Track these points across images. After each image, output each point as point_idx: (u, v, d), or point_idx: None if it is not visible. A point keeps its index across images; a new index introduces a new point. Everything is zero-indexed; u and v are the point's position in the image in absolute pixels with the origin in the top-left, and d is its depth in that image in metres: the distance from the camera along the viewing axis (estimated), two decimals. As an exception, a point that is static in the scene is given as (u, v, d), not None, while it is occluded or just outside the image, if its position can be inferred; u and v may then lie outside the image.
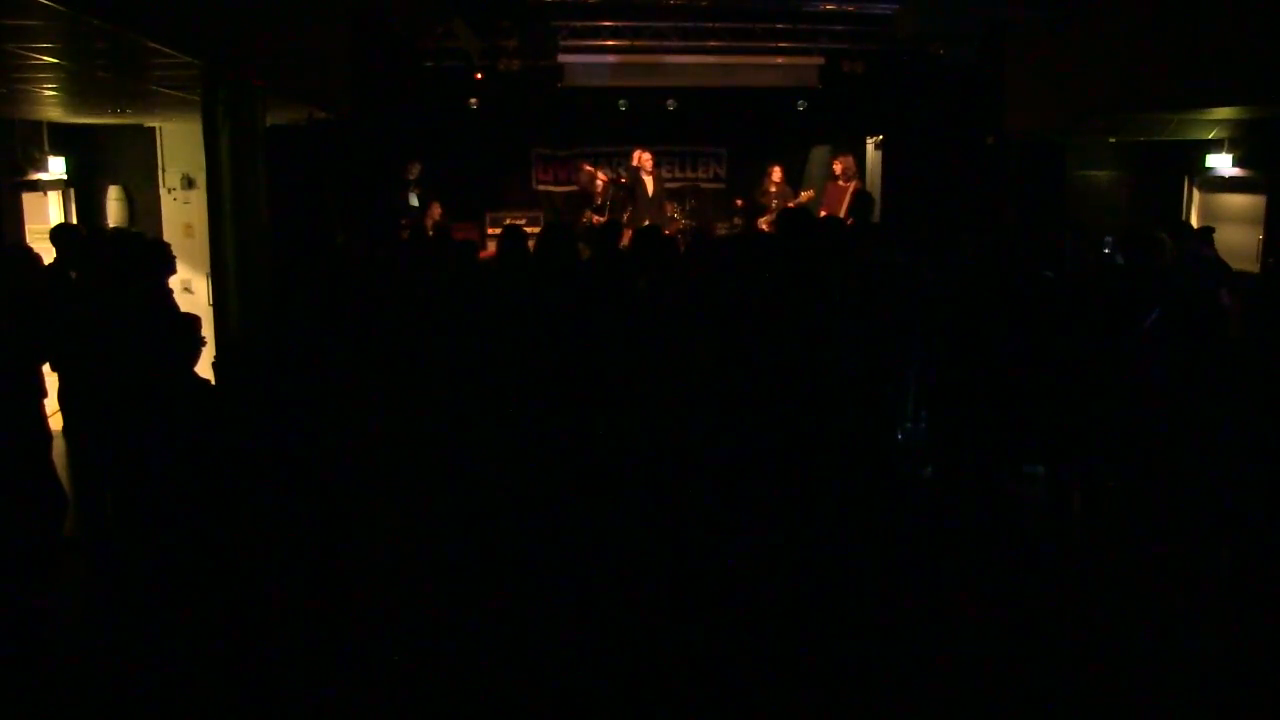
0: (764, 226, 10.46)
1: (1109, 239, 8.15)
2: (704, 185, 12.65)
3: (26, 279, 5.69)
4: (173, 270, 5.96)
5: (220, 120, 5.67)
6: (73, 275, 6.37)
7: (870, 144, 12.15)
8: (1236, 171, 9.02)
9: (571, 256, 5.96)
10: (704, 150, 12.71)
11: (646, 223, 10.31)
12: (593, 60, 10.73)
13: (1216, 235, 7.44)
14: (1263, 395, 4.35)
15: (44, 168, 8.48)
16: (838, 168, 10.58)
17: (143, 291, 5.77)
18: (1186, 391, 4.54)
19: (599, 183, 10.95)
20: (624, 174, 11.14)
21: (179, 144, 9.17)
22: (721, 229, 11.23)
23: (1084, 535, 5.33)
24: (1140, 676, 4.02)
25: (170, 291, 5.95)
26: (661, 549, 4.81)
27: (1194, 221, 9.22)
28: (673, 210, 11.11)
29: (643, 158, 10.78)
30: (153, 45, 4.69)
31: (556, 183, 12.57)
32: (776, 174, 10.99)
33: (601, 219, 10.36)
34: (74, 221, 8.83)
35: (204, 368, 5.94)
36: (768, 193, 10.96)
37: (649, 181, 10.72)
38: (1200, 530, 4.55)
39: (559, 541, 4.79)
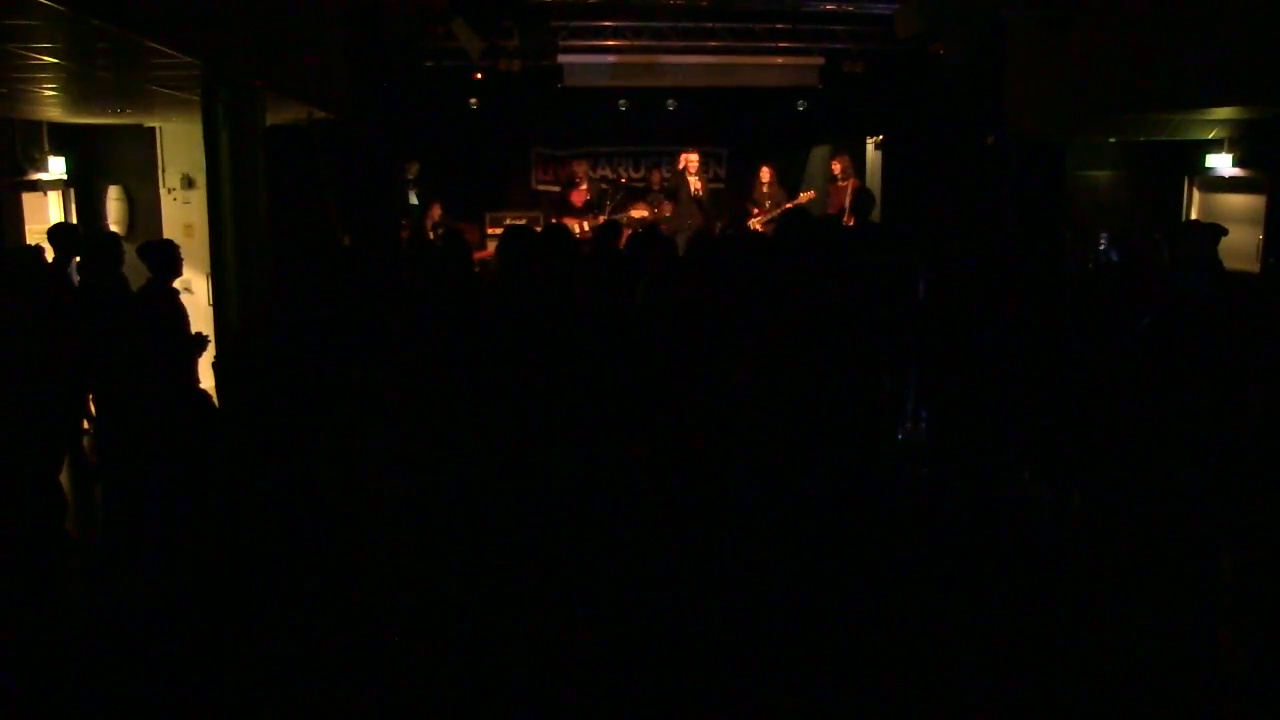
0: (756, 226, 10.48)
1: (1104, 235, 8.16)
2: (709, 186, 12.67)
3: (34, 279, 5.72)
4: (178, 273, 5.96)
5: (220, 120, 5.68)
6: (75, 276, 6.40)
7: (870, 144, 12.15)
8: (1236, 171, 9.01)
9: (572, 257, 5.95)
10: (704, 150, 12.73)
11: (687, 224, 10.36)
12: (593, 60, 10.73)
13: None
14: (1260, 397, 4.35)
15: (44, 168, 8.48)
16: (836, 168, 10.66)
17: (145, 293, 5.78)
18: (1180, 394, 4.54)
19: (581, 180, 10.92)
20: (668, 173, 11.19)
21: (179, 144, 9.16)
22: (720, 229, 11.25)
23: (1084, 535, 5.33)
24: (1140, 678, 4.02)
25: (176, 293, 5.95)
26: (660, 550, 4.80)
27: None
28: (706, 212, 11.03)
29: (689, 159, 10.80)
30: (153, 45, 4.69)
31: (556, 183, 12.58)
32: (765, 174, 11.02)
33: (583, 223, 10.37)
34: (74, 221, 8.83)
35: (204, 367, 5.97)
36: (760, 193, 10.99)
37: (693, 183, 10.75)
38: (1199, 532, 4.55)
39: (560, 544, 4.79)
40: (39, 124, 8.38)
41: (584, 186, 10.93)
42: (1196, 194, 9.74)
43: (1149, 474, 4.76)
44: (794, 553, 4.85)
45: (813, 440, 5.20)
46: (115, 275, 6.15)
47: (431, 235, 9.48)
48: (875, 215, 9.69)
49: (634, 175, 12.43)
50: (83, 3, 3.89)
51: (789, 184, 11.57)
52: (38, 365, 5.35)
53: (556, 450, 5.03)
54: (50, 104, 7.20)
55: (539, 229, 9.21)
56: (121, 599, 4.53)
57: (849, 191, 10.03)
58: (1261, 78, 6.36)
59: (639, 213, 10.64)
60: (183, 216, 9.19)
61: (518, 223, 10.12)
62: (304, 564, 4.72)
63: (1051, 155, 10.06)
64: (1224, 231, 6.46)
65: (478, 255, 8.70)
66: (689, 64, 10.87)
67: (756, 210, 10.92)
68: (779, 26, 10.51)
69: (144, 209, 9.25)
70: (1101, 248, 8.01)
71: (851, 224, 8.74)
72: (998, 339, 5.53)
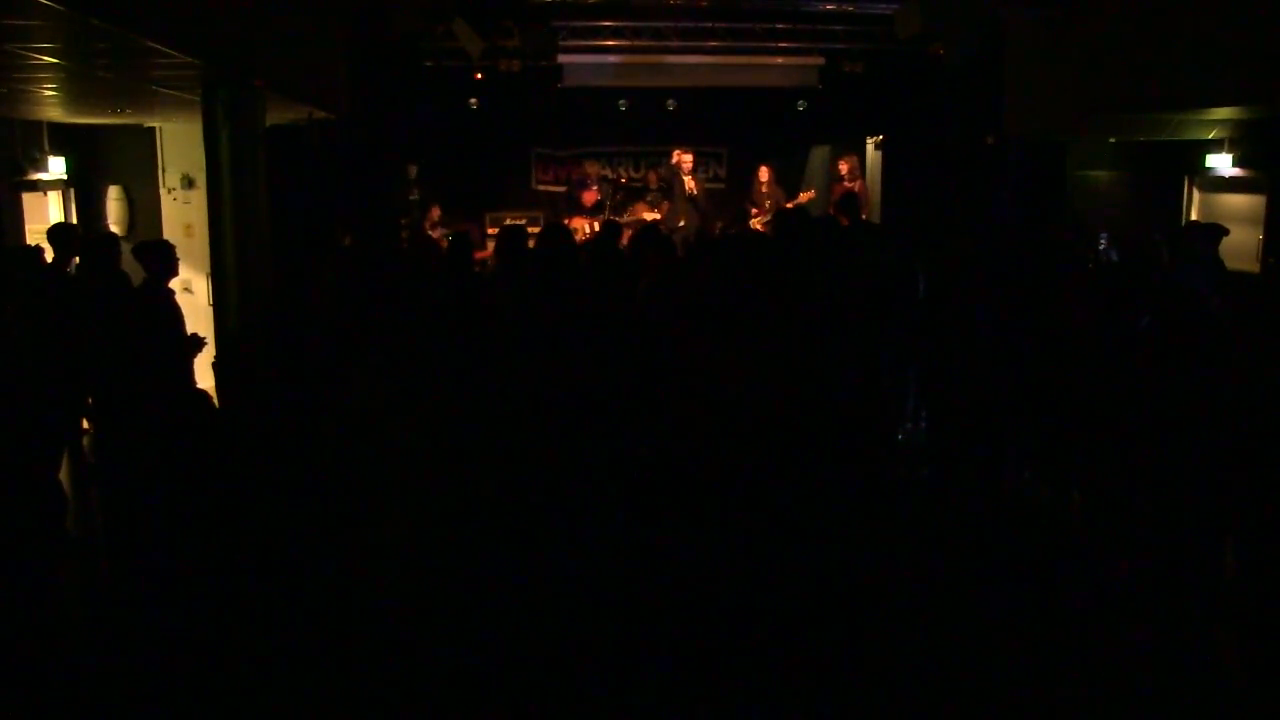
0: (756, 226, 10.49)
1: (1104, 235, 8.17)
2: (704, 185, 12.67)
3: (32, 279, 5.71)
4: (174, 273, 5.96)
5: (220, 120, 5.69)
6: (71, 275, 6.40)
7: (870, 144, 12.16)
8: (1236, 171, 9.01)
9: (572, 257, 5.96)
10: (704, 150, 12.73)
11: (682, 223, 10.36)
12: (593, 60, 10.73)
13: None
14: (1260, 398, 4.35)
15: (44, 168, 8.48)
16: (843, 168, 10.66)
17: (142, 293, 5.78)
18: (1179, 394, 4.53)
19: (592, 181, 10.93)
20: (663, 171, 11.22)
21: (179, 144, 9.16)
22: (719, 229, 11.26)
23: (1084, 535, 5.33)
24: (1140, 678, 4.02)
25: (172, 293, 5.95)
26: (660, 551, 4.80)
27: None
28: (702, 211, 11.00)
29: (682, 158, 10.82)
30: (153, 45, 4.69)
31: (556, 183, 12.58)
32: (764, 174, 11.03)
33: (587, 223, 10.35)
34: (74, 221, 8.84)
35: (204, 367, 5.98)
36: (759, 193, 11.00)
37: (688, 181, 10.76)
38: (1200, 531, 4.54)
39: (558, 544, 4.79)
40: (39, 124, 8.39)
41: (595, 187, 10.95)
42: (1196, 194, 9.74)
43: (1149, 474, 4.75)
44: (793, 551, 4.86)
45: (812, 439, 5.20)
46: (114, 275, 6.15)
47: (432, 235, 9.48)
48: (875, 216, 9.70)
49: (634, 175, 12.44)
50: (83, 3, 3.88)
51: (789, 184, 11.56)
52: (37, 365, 5.35)
53: (557, 449, 5.03)
54: (50, 104, 7.20)
55: (538, 229, 9.23)
56: (121, 599, 4.52)
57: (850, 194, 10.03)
58: (1261, 78, 6.37)
59: (648, 215, 10.63)
60: (183, 216, 9.19)
61: (516, 223, 10.13)
62: (304, 564, 4.72)
63: (1051, 155, 10.07)
64: (1224, 231, 6.47)
65: (478, 255, 8.71)
66: (689, 64, 10.87)
67: (756, 210, 10.93)
68: (779, 26, 10.51)
69: (144, 209, 9.25)
70: (1101, 248, 8.01)
71: (846, 224, 8.74)
72: (998, 339, 5.53)
